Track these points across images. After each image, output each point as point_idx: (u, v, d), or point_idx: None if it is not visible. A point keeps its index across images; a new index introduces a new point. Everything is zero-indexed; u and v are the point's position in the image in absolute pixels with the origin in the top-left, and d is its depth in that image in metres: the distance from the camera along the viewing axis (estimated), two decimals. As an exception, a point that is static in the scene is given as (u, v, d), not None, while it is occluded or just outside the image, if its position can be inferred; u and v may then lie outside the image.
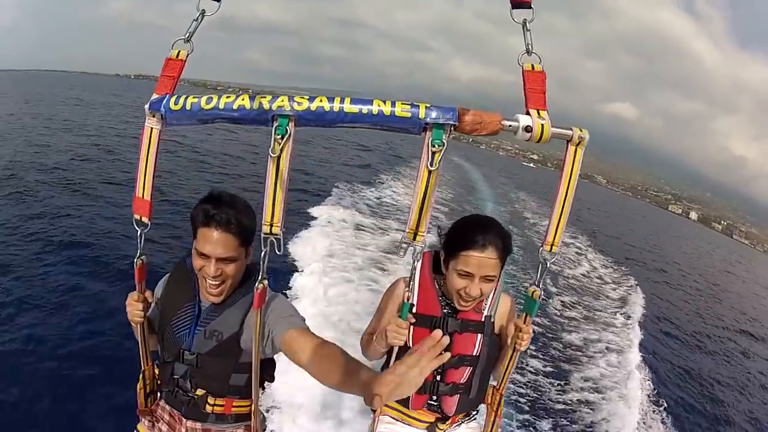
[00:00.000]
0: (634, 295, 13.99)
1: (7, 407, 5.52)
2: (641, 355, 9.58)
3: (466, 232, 1.99)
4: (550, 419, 7.11)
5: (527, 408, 7.22)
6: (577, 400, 7.68)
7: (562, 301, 11.52)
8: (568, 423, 7.10)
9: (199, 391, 2.07)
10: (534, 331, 2.02)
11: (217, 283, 1.93)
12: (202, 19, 1.72)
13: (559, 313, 10.84)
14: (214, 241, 1.86)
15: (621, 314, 11.88)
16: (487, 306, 2.14)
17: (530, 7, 1.68)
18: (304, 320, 2.03)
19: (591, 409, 7.52)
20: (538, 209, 26.04)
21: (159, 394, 2.24)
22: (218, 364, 2.03)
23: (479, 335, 2.12)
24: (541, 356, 8.82)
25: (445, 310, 2.13)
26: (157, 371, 2.20)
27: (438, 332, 1.35)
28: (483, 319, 2.13)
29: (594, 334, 10.15)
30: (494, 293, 2.14)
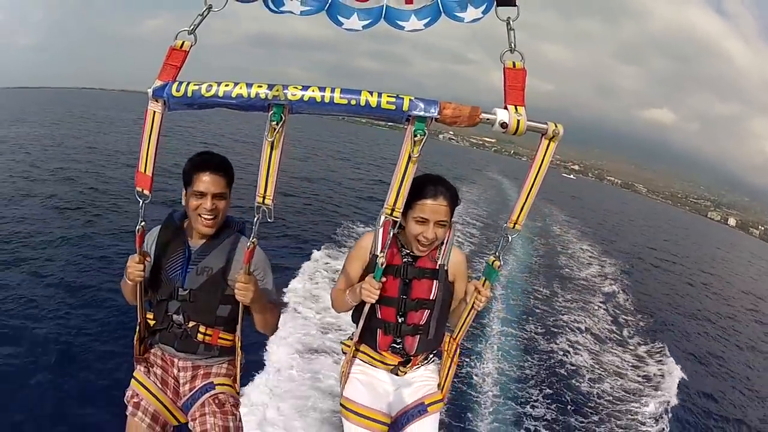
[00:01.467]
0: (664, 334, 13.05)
1: (13, 358, 6.06)
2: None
3: (421, 186, 2.23)
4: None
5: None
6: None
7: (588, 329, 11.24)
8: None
9: (191, 323, 2.43)
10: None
11: (212, 216, 2.32)
12: (207, 14, 1.82)
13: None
14: (210, 180, 2.29)
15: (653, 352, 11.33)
16: (441, 256, 2.40)
17: (515, 5, 1.76)
18: (275, 290, 2.53)
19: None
20: (567, 224, 25.99)
21: (152, 337, 2.52)
22: (208, 296, 2.40)
23: (435, 281, 2.38)
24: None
25: (405, 259, 2.38)
26: (150, 317, 2.51)
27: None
28: (437, 267, 2.38)
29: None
30: (446, 245, 2.40)
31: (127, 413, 2.43)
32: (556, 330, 10.61)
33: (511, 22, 1.77)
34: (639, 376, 9.60)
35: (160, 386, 2.46)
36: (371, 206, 18.90)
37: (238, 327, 2.39)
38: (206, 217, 2.31)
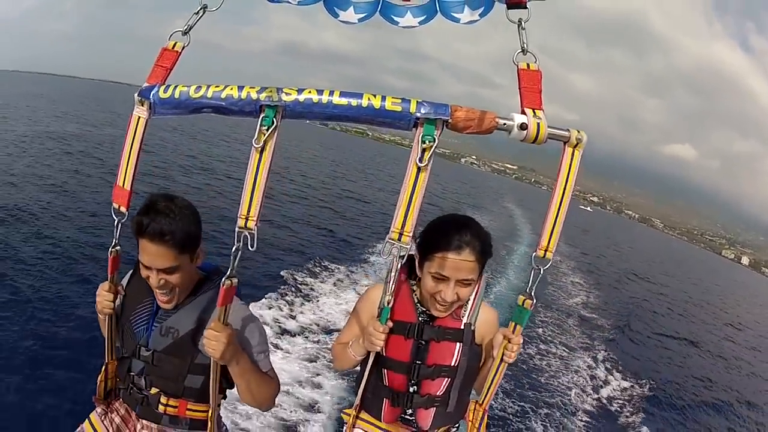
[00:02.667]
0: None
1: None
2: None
3: (441, 233, 1.88)
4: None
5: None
6: None
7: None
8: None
9: (153, 390, 2.02)
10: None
11: (165, 291, 1.92)
12: (202, 14, 1.76)
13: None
14: (151, 252, 1.83)
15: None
16: (467, 313, 2.00)
17: (525, 8, 1.67)
18: (269, 360, 2.10)
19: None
20: (571, 258, 25.59)
21: (118, 392, 2.18)
22: (173, 362, 1.97)
23: (458, 344, 1.97)
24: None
25: (420, 317, 2.00)
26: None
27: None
28: (462, 327, 1.99)
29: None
30: (474, 299, 2.01)
31: None
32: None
33: (522, 23, 1.67)
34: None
35: None
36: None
37: (212, 396, 1.95)
38: (159, 292, 1.92)
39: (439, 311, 1.95)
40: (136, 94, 1.71)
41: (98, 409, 2.20)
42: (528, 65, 1.66)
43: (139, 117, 1.73)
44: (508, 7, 1.68)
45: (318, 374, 7.24)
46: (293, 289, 10.22)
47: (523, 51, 1.66)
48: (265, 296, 9.39)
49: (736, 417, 11.27)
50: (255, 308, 8.46)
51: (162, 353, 1.98)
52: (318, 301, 9.98)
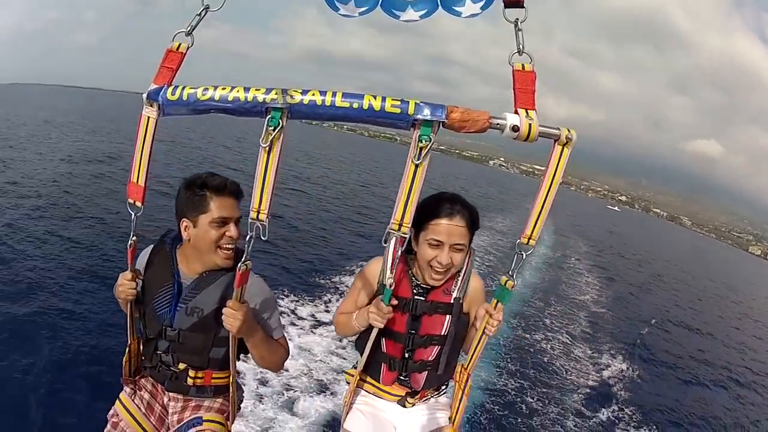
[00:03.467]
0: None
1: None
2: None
3: (433, 204, 2.08)
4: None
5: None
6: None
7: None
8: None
9: (181, 365, 2.24)
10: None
11: (233, 244, 2.14)
12: (204, 15, 1.78)
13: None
14: (232, 204, 2.12)
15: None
16: (456, 288, 2.20)
17: (523, 7, 1.70)
18: (282, 327, 2.35)
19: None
20: (587, 257, 25.73)
21: (144, 370, 2.38)
22: (199, 338, 2.18)
23: (447, 316, 2.18)
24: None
25: (415, 291, 2.20)
26: (141, 346, 2.34)
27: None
28: (452, 301, 2.19)
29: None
30: (464, 275, 2.20)
31: (104, 431, 2.31)
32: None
33: (519, 24, 1.71)
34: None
35: (144, 411, 2.32)
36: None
37: (231, 364, 2.17)
38: (230, 247, 2.12)
39: (435, 279, 2.16)
40: (144, 95, 1.76)
41: (127, 389, 2.37)
42: (523, 66, 1.72)
43: (149, 117, 1.79)
44: (506, 6, 1.71)
45: (324, 339, 8.08)
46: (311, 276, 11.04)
47: (519, 52, 1.71)
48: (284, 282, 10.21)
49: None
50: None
51: (188, 331, 2.17)
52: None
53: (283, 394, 6.53)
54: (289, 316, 8.85)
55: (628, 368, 11.45)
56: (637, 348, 13.32)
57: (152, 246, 2.30)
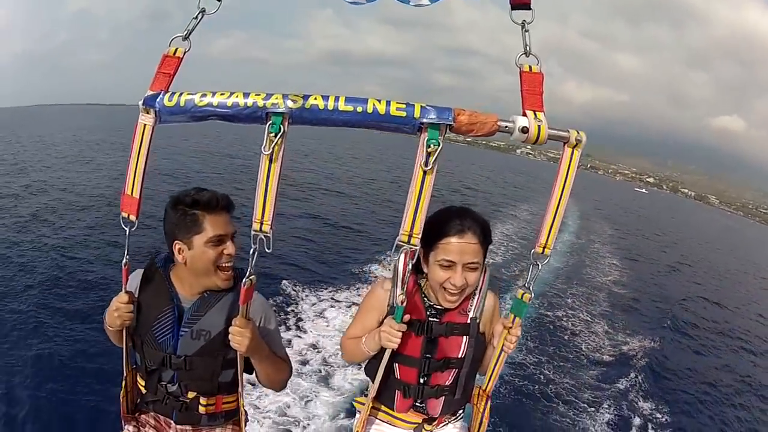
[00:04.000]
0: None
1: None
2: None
3: (441, 222, 1.95)
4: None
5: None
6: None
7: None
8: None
9: (191, 394, 2.09)
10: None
11: (232, 262, 2.03)
12: (201, 18, 1.73)
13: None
14: (226, 222, 2.00)
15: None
16: (473, 307, 2.07)
17: (530, 8, 1.67)
18: (282, 344, 2.25)
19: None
20: (612, 240, 25.46)
21: (146, 405, 2.20)
22: (207, 363, 2.04)
23: (465, 338, 2.06)
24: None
25: (428, 312, 2.08)
26: (140, 380, 2.17)
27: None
28: (468, 321, 2.07)
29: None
30: (480, 293, 2.08)
31: None
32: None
33: (526, 25, 1.68)
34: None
35: None
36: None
37: (240, 385, 2.07)
38: (229, 266, 2.02)
39: (450, 301, 2.01)
40: (140, 102, 1.71)
41: (129, 428, 2.21)
42: (530, 67, 1.68)
43: (145, 125, 1.72)
44: (512, 8, 1.68)
45: (325, 364, 7.59)
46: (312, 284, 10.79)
47: (526, 53, 1.68)
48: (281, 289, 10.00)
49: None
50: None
51: (195, 356, 2.03)
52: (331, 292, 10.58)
53: (286, 423, 6.26)
54: (291, 329, 8.52)
55: (648, 343, 11.44)
56: (661, 324, 13.30)
57: (142, 270, 2.14)
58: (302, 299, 9.88)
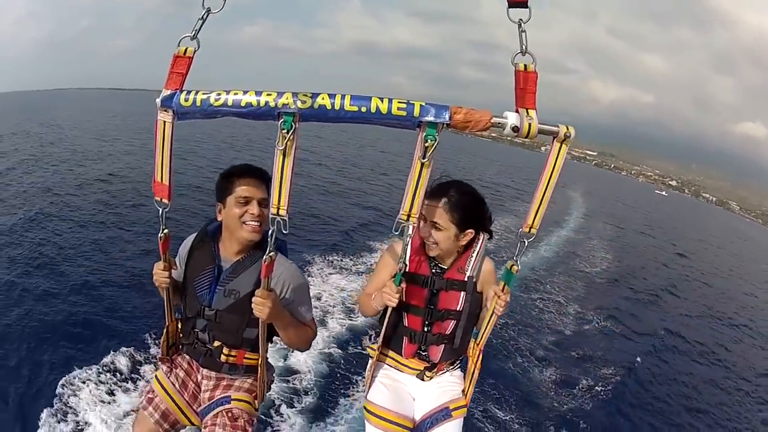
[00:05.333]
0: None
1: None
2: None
3: (432, 188, 2.26)
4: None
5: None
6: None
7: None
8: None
9: (216, 343, 2.42)
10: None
11: (258, 222, 2.29)
12: (207, 17, 1.79)
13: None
14: (254, 185, 2.29)
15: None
16: (470, 267, 2.39)
17: (527, 7, 1.73)
18: (311, 309, 2.52)
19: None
20: (611, 238, 24.99)
21: (180, 347, 2.58)
22: (234, 319, 2.36)
23: (462, 293, 2.38)
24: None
25: (433, 270, 2.40)
26: (179, 326, 2.54)
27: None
28: (465, 279, 2.38)
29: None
30: (476, 256, 2.39)
31: (140, 406, 2.53)
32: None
33: (522, 24, 1.75)
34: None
35: (178, 388, 2.50)
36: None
37: (261, 346, 2.32)
38: (253, 223, 2.29)
39: (431, 251, 2.37)
40: (157, 101, 1.80)
41: (164, 367, 2.54)
42: (525, 66, 1.78)
43: (165, 122, 1.84)
44: (509, 6, 1.74)
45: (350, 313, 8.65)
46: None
47: (522, 52, 1.76)
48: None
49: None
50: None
51: (224, 311, 2.35)
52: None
53: (309, 370, 6.88)
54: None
55: (607, 326, 12.03)
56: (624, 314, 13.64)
57: (195, 234, 2.49)
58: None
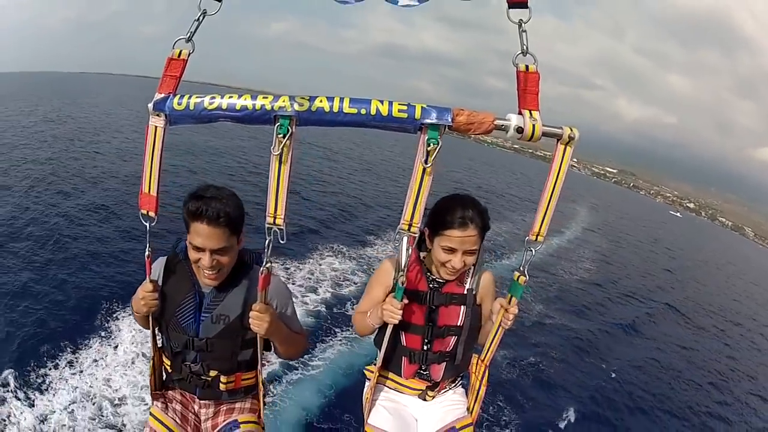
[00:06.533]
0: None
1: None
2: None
3: (447, 213, 2.12)
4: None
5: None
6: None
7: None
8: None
9: (212, 372, 2.25)
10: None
11: (214, 272, 2.07)
12: (203, 19, 1.76)
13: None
14: (206, 234, 1.97)
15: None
16: (469, 279, 2.29)
17: (527, 7, 1.70)
18: (297, 318, 2.37)
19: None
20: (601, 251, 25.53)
21: (172, 383, 2.36)
22: (227, 344, 2.20)
23: (462, 307, 2.27)
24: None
25: (431, 285, 2.28)
26: (165, 360, 2.33)
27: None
28: (465, 292, 2.28)
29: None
30: (475, 267, 2.28)
31: None
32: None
33: (522, 24, 1.71)
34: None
35: (179, 422, 2.30)
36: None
37: (258, 363, 2.22)
38: (207, 273, 2.07)
39: (449, 276, 2.24)
40: (149, 105, 1.75)
41: (158, 404, 2.33)
42: (527, 67, 1.73)
43: (156, 127, 1.77)
44: (509, 7, 1.70)
45: (341, 333, 8.55)
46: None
47: (523, 53, 1.72)
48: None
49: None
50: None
51: (216, 338, 2.18)
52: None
53: (304, 389, 6.81)
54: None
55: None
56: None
57: (165, 257, 2.25)
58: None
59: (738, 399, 12.24)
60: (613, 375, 10.88)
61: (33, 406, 5.65)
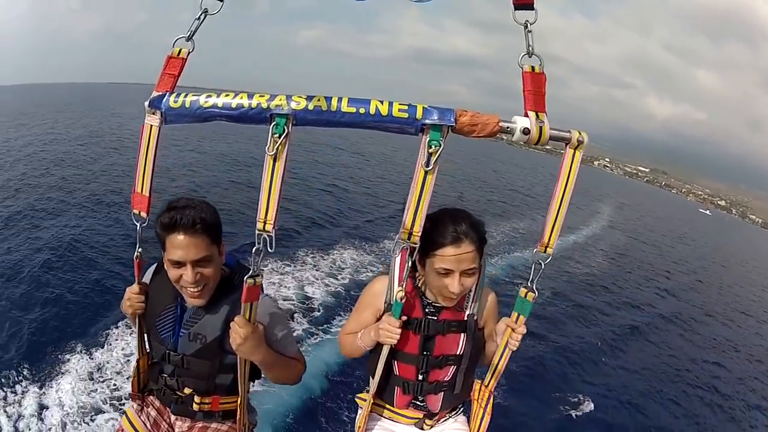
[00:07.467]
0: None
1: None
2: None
3: (437, 229, 1.90)
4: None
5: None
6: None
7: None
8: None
9: (187, 390, 2.12)
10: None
11: (199, 288, 1.94)
12: (204, 19, 1.74)
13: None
14: (184, 245, 1.86)
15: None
16: (470, 304, 2.06)
17: (533, 8, 1.65)
18: (294, 341, 2.20)
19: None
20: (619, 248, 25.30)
21: (151, 391, 2.26)
22: (203, 365, 2.06)
23: (462, 335, 2.05)
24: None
25: (426, 310, 2.06)
26: (146, 366, 2.22)
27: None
28: (465, 318, 2.06)
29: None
30: (475, 289, 2.06)
31: None
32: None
33: (529, 25, 1.66)
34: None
35: (149, 428, 2.19)
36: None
37: (241, 388, 2.05)
38: (191, 290, 1.94)
39: (447, 302, 2.02)
40: (146, 103, 1.72)
41: (134, 405, 2.25)
42: (533, 68, 1.67)
43: (151, 125, 1.74)
44: (515, 8, 1.66)
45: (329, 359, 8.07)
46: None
47: (529, 53, 1.67)
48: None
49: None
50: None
51: (192, 357, 2.06)
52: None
53: (292, 419, 6.55)
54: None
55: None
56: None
57: (156, 264, 2.16)
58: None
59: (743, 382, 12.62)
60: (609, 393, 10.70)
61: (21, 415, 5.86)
